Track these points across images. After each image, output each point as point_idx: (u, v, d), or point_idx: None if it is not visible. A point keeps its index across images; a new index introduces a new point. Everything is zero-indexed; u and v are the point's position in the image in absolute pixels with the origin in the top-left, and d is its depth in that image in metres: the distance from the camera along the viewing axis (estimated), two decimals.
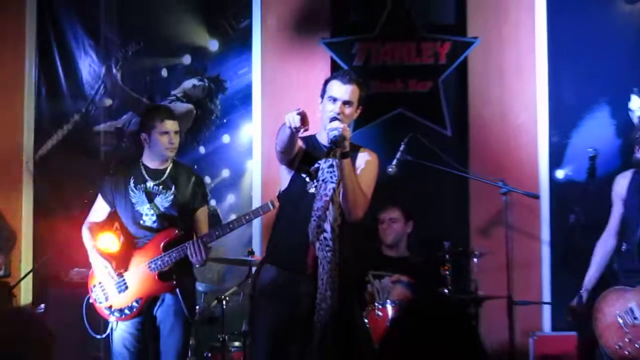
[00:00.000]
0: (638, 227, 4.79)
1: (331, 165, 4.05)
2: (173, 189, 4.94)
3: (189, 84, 6.55)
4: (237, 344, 5.46)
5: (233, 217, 5.69)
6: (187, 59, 6.53)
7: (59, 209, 6.00)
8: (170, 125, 4.90)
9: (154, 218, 4.91)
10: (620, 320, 4.50)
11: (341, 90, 4.10)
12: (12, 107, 6.60)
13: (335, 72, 5.40)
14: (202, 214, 5.11)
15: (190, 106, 6.55)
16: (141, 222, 4.91)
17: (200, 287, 5.54)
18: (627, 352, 4.46)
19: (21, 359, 2.29)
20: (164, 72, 6.55)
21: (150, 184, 4.94)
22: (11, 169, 6.53)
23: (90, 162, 6.21)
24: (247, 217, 4.97)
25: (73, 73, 6.64)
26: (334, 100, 4.09)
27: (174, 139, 4.89)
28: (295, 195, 4.26)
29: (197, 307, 5.40)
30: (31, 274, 6.08)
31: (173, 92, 6.54)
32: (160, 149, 4.85)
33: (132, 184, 4.92)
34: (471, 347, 1.93)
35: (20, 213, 6.47)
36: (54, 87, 6.66)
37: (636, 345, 4.53)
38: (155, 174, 4.94)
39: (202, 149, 6.51)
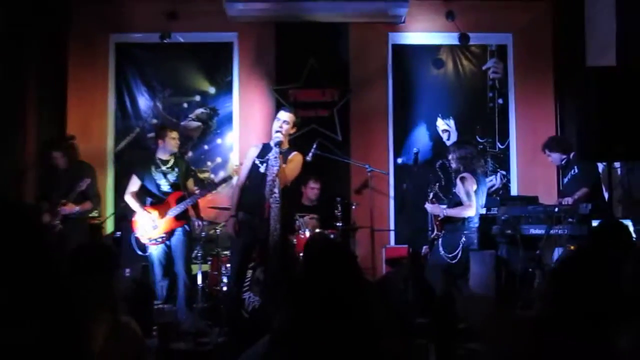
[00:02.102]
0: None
1: (275, 157, 5.17)
2: (176, 170, 6.19)
3: (198, 111, 8.13)
4: (226, 252, 6.59)
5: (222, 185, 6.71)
6: (197, 97, 8.13)
7: (126, 182, 6.49)
8: (175, 134, 6.29)
9: (168, 186, 6.19)
10: None
11: (283, 115, 5.41)
12: (102, 124, 8.05)
13: (282, 106, 7.02)
14: (190, 182, 6.33)
15: (199, 124, 8.12)
16: (160, 189, 6.18)
17: (205, 222, 6.75)
18: None
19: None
20: (185, 105, 8.11)
21: (163, 168, 6.18)
22: (102, 159, 7.89)
23: (144, 155, 6.95)
24: (218, 183, 6.43)
25: (135, 105, 8.10)
26: (279, 120, 5.40)
27: (177, 140, 6.27)
28: (254, 174, 5.41)
29: (203, 234, 6.74)
30: (112, 217, 7.53)
31: (190, 116, 8.11)
32: (170, 148, 6.20)
33: (153, 169, 6.17)
34: (349, 264, 2.38)
35: (106, 183, 7.85)
36: (124, 112, 8.11)
37: None
38: (165, 163, 6.20)
39: (206, 147, 8.11)
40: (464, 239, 5.78)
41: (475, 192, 5.84)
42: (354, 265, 2.40)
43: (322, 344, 2.12)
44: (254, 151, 5.57)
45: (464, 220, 5.82)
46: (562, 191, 6.41)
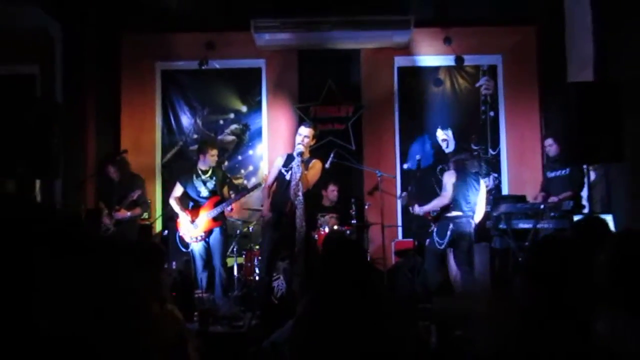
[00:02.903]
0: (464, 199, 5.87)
1: (298, 165, 5.22)
2: (214, 178, 6.19)
3: (233, 126, 8.18)
4: (257, 246, 6.63)
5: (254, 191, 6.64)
6: (232, 115, 8.17)
7: (171, 188, 6.50)
8: (214, 152, 6.26)
9: (207, 193, 6.19)
10: None
11: (304, 131, 5.39)
12: (150, 139, 8.14)
13: (303, 122, 7.10)
14: (226, 188, 6.29)
15: (234, 137, 8.15)
16: (201, 194, 6.20)
17: (239, 221, 7.08)
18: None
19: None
20: (221, 121, 8.16)
21: (203, 177, 6.20)
22: (151, 169, 7.99)
23: (187, 165, 6.94)
24: (250, 189, 6.46)
25: (178, 122, 8.20)
26: (300, 135, 5.39)
27: (215, 157, 6.27)
28: (280, 180, 5.43)
29: (238, 231, 6.96)
30: (160, 218, 7.54)
31: (225, 131, 8.15)
32: (209, 162, 6.20)
33: (194, 178, 6.19)
34: (360, 257, 2.42)
35: (155, 190, 7.95)
36: (169, 129, 8.20)
37: None
38: (205, 172, 6.21)
39: (239, 157, 8.14)
40: (451, 226, 5.75)
41: (456, 185, 5.84)
42: (364, 257, 2.47)
43: (337, 325, 2.13)
44: (279, 161, 5.55)
45: (447, 209, 5.84)
46: (547, 185, 6.24)
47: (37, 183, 6.86)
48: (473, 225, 5.91)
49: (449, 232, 5.76)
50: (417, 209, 6.08)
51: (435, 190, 6.77)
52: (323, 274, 2.31)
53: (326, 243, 4.28)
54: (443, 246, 5.81)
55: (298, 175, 5.12)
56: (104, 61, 7.79)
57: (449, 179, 5.90)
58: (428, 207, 5.98)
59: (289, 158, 5.39)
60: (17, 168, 5.08)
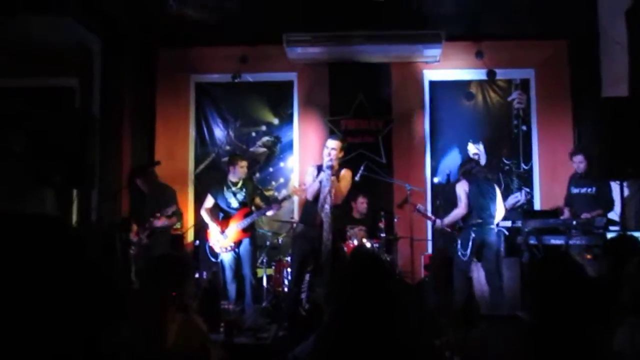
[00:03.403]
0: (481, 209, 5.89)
1: (327, 179, 5.20)
2: (244, 190, 6.27)
3: (264, 139, 8.23)
4: (287, 258, 6.69)
5: (284, 202, 6.76)
6: (263, 127, 8.21)
7: (203, 198, 6.58)
8: (244, 163, 6.34)
9: (237, 204, 6.28)
10: None
11: (331, 144, 5.38)
12: (184, 150, 8.21)
13: (330, 134, 7.13)
14: (257, 199, 6.38)
15: (265, 149, 8.20)
16: (231, 205, 6.27)
17: (268, 232, 7.20)
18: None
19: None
20: (253, 134, 8.20)
21: (233, 188, 6.29)
22: (184, 179, 8.09)
23: (218, 177, 6.96)
24: (281, 201, 6.48)
25: (211, 134, 8.27)
26: (327, 147, 5.37)
27: (244, 169, 6.32)
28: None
29: (267, 242, 6.99)
30: (192, 229, 7.63)
31: (257, 143, 8.18)
32: (239, 174, 6.27)
33: (225, 189, 6.28)
34: (384, 272, 2.40)
35: (187, 200, 7.98)
36: (202, 140, 8.26)
37: None
38: (235, 185, 6.29)
39: (270, 169, 8.17)
40: (473, 234, 5.73)
41: (470, 193, 5.88)
42: (388, 272, 2.54)
43: (361, 339, 2.13)
44: (312, 171, 5.56)
45: (467, 218, 5.86)
46: (571, 202, 6.12)
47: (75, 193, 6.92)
48: (496, 232, 5.88)
49: (471, 241, 5.73)
50: (439, 223, 6.10)
51: (421, 211, 6.69)
52: (346, 289, 2.31)
53: (351, 257, 4.18)
54: (467, 257, 5.75)
55: (327, 188, 5.12)
56: (140, 74, 7.96)
57: (461, 188, 5.92)
58: (448, 220, 6.00)
59: (319, 170, 5.40)
60: (55, 177, 5.22)
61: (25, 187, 6.44)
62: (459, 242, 5.87)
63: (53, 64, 7.57)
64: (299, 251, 5.47)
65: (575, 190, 6.11)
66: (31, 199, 6.76)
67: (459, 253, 5.81)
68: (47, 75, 7.61)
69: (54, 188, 5.88)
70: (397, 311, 2.23)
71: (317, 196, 5.21)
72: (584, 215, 5.71)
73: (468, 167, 6.10)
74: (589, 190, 5.95)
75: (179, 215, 6.81)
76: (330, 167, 5.21)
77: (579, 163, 6.06)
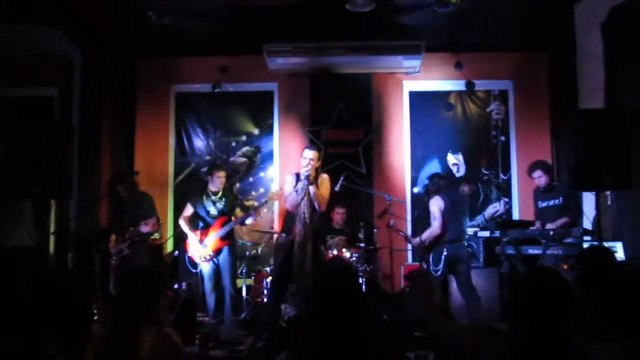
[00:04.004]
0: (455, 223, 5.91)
1: (302, 188, 5.32)
2: (224, 199, 6.20)
3: (245, 149, 8.19)
4: (267, 269, 6.72)
5: (263, 209, 6.79)
6: (244, 138, 8.19)
7: (183, 208, 6.44)
8: (222, 174, 6.25)
9: (217, 213, 6.20)
10: None
11: (309, 154, 5.42)
12: (164, 160, 8.13)
13: (307, 146, 6.67)
14: (237, 210, 6.29)
15: (246, 160, 8.17)
16: (210, 214, 6.19)
17: (249, 243, 7.17)
18: None
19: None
20: (234, 144, 8.17)
21: (213, 198, 6.22)
22: (164, 189, 8.04)
23: (198, 187, 6.64)
24: (258, 207, 6.42)
25: (192, 144, 8.23)
26: (306, 158, 5.41)
27: (223, 179, 6.24)
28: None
29: (247, 253, 6.96)
30: (172, 238, 7.45)
31: (238, 153, 8.16)
32: (218, 184, 6.19)
33: (205, 198, 6.20)
34: (353, 284, 2.38)
35: (167, 209, 7.92)
36: (183, 150, 8.23)
37: None
38: (215, 194, 6.22)
39: (251, 179, 8.14)
40: (445, 251, 5.73)
41: (444, 210, 5.84)
42: (357, 286, 2.41)
43: (332, 353, 2.12)
44: (291, 180, 5.54)
45: (439, 236, 5.83)
46: (540, 216, 6.13)
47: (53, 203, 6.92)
48: (467, 249, 5.97)
49: (443, 258, 5.74)
50: (415, 241, 6.12)
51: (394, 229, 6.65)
52: (318, 303, 2.29)
53: (324, 272, 4.21)
54: (439, 273, 5.77)
55: (300, 197, 5.18)
56: (121, 84, 7.89)
57: (435, 206, 5.88)
58: (423, 238, 5.97)
59: (298, 178, 5.42)
60: (30, 188, 5.18)
61: (6, 199, 6.64)
62: (431, 257, 5.88)
63: (32, 73, 7.52)
64: (280, 261, 5.46)
65: (543, 205, 6.13)
66: (12, 211, 7.01)
67: (431, 269, 5.81)
68: (27, 85, 7.54)
69: (32, 199, 5.86)
70: (369, 326, 2.22)
71: (298, 205, 5.23)
72: (549, 226, 5.72)
73: (441, 183, 6.06)
74: (556, 202, 5.97)
75: (159, 223, 6.59)
76: (307, 178, 5.24)
77: (539, 178, 6.07)
